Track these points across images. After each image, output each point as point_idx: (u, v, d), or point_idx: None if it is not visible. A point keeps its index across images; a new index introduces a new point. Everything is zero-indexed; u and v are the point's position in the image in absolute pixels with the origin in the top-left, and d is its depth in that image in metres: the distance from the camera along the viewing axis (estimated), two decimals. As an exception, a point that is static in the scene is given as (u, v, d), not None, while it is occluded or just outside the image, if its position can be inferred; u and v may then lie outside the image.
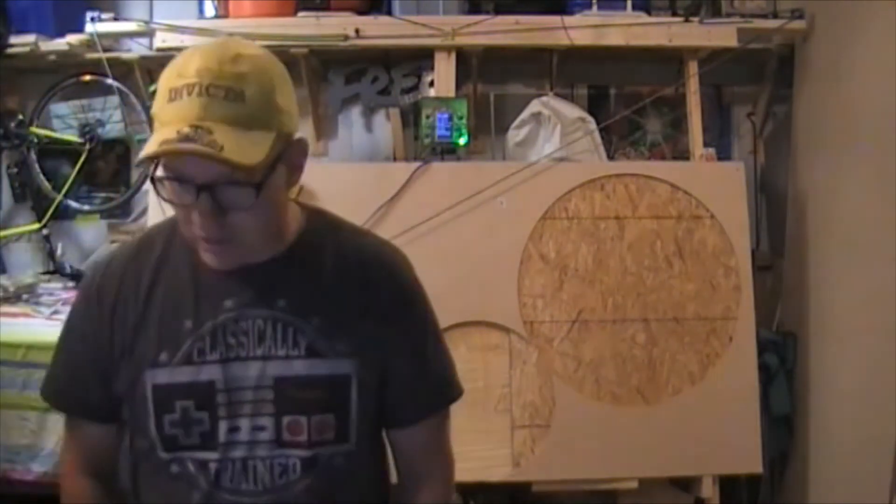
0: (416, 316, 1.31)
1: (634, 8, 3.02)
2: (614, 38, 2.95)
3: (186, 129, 1.05)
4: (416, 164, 2.78)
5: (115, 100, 3.15)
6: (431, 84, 3.01)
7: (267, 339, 1.20)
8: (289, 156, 1.18)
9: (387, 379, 1.26)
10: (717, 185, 2.81)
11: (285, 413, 1.19)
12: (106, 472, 1.32)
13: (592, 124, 2.96)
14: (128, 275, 1.25)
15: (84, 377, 1.26)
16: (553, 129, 2.88)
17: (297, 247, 1.25)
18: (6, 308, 2.75)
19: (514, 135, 2.98)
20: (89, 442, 1.30)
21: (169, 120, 1.07)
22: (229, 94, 1.08)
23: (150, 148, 1.07)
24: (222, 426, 1.19)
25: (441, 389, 1.33)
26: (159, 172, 1.13)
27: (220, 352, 1.19)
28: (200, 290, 1.22)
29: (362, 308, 1.24)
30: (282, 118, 1.13)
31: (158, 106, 1.11)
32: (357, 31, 2.90)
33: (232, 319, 1.20)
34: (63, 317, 2.65)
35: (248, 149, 1.08)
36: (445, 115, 2.82)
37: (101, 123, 3.23)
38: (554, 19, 2.93)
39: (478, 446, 2.59)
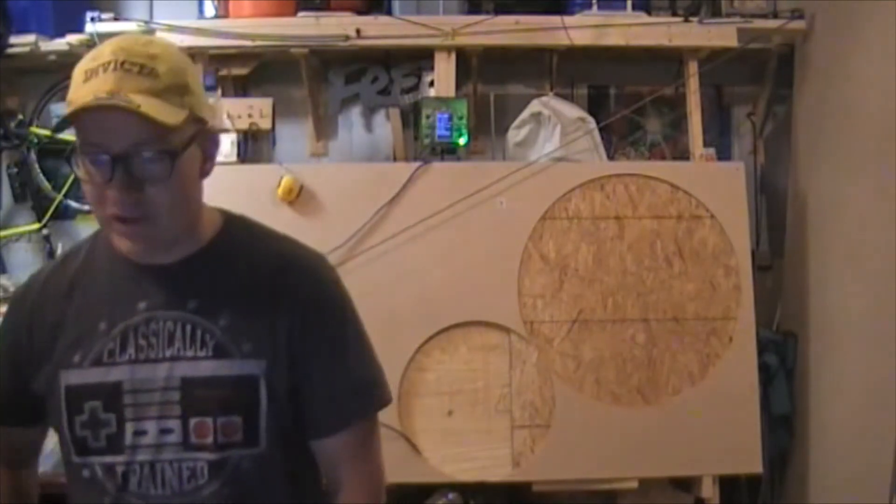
0: (335, 320, 1.29)
1: (634, 8, 3.02)
2: (614, 38, 2.95)
3: (103, 94, 1.09)
4: (416, 164, 2.78)
5: (114, 100, 3.14)
6: (431, 84, 3.01)
7: (176, 341, 1.20)
8: (203, 141, 1.20)
9: (303, 386, 1.24)
10: (717, 185, 2.81)
11: (192, 415, 1.19)
12: (22, 467, 1.37)
13: (592, 124, 2.96)
14: (51, 280, 1.29)
15: (7, 386, 1.28)
16: (553, 129, 2.88)
17: (211, 247, 1.26)
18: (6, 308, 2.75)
19: (514, 135, 2.98)
20: (4, 444, 1.33)
21: (84, 95, 1.10)
22: (143, 69, 1.12)
23: (67, 108, 1.11)
24: (129, 428, 1.19)
25: (363, 397, 1.29)
26: (77, 140, 1.14)
27: (130, 353, 1.20)
28: (116, 292, 1.23)
29: (274, 310, 1.23)
30: (194, 99, 1.16)
31: (72, 90, 1.13)
32: (358, 31, 2.90)
33: (143, 321, 1.21)
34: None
35: (164, 112, 1.11)
36: (445, 115, 2.82)
37: (101, 123, 3.22)
38: (554, 19, 2.93)
39: (478, 446, 2.59)
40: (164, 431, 1.19)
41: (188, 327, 1.21)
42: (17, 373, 1.27)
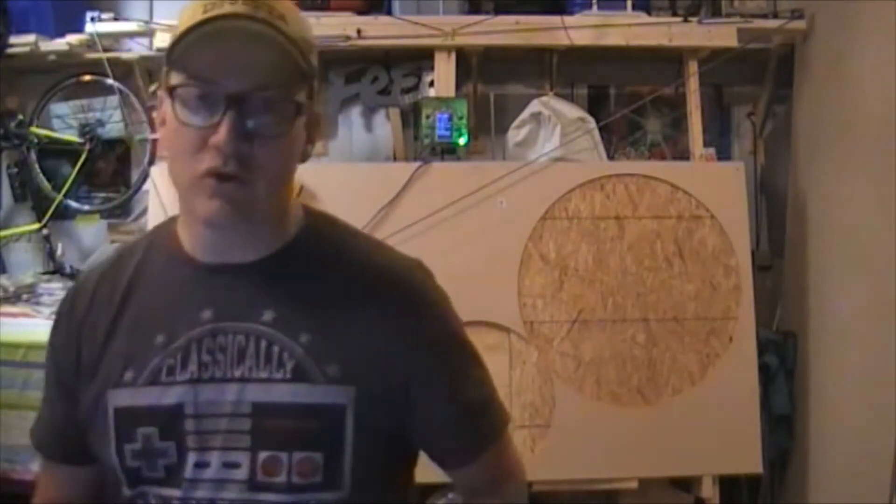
0: (450, 340, 1.11)
1: (634, 8, 3.02)
2: (614, 38, 2.95)
3: (231, 8, 0.93)
4: (416, 164, 2.78)
5: (115, 100, 3.15)
6: (431, 84, 3.01)
7: (247, 359, 1.01)
8: (312, 116, 1.05)
9: (418, 418, 1.06)
10: (717, 185, 2.81)
11: (262, 448, 1.00)
12: None
13: (592, 124, 2.96)
14: (103, 285, 1.09)
15: (57, 413, 1.12)
16: (553, 129, 2.88)
17: (295, 247, 1.07)
18: (6, 308, 2.75)
19: (514, 135, 2.98)
20: (63, 487, 1.15)
21: (207, 15, 0.93)
22: (273, 11, 0.96)
23: (186, 22, 0.93)
24: (190, 459, 1.00)
25: (492, 418, 1.14)
26: (177, 79, 0.96)
27: (192, 371, 1.01)
28: (177, 298, 1.05)
29: (368, 331, 1.03)
30: (314, 61, 1.01)
31: (187, 20, 0.94)
32: (358, 31, 2.90)
33: (209, 333, 1.02)
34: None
35: (297, 56, 0.95)
36: (445, 115, 2.82)
37: (101, 123, 3.22)
38: (554, 19, 2.93)
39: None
40: (229, 465, 1.00)
41: (262, 343, 1.01)
42: (67, 395, 1.09)
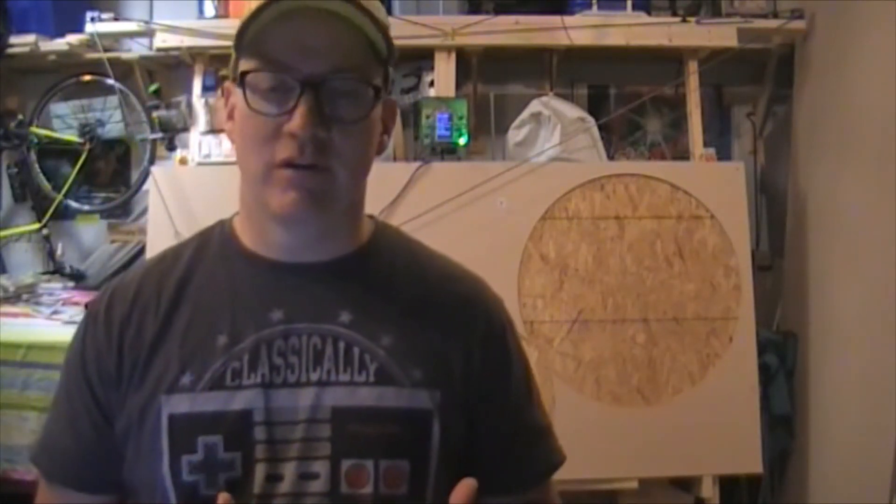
0: (518, 361, 1.07)
1: (634, 8, 3.01)
2: (614, 38, 2.95)
3: None
4: (416, 164, 2.78)
5: (115, 100, 3.15)
6: (431, 84, 3.01)
7: (325, 361, 0.94)
8: (388, 104, 0.99)
9: (480, 433, 1.01)
10: (717, 185, 2.81)
11: (345, 455, 0.92)
12: None
13: (592, 124, 2.96)
14: (147, 285, 1.00)
15: (80, 432, 0.98)
16: (553, 129, 2.88)
17: (369, 249, 1.02)
18: (6, 308, 2.75)
19: (514, 135, 2.98)
20: None
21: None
22: None
23: (247, 16, 0.87)
24: (259, 472, 0.91)
25: (547, 450, 1.09)
26: (248, 65, 0.90)
27: (263, 374, 0.93)
28: (241, 298, 0.97)
29: (447, 337, 0.99)
30: (392, 49, 0.94)
31: (252, 7, 0.88)
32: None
33: (280, 335, 0.95)
34: (63, 317, 2.68)
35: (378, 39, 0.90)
36: (445, 115, 2.82)
37: (101, 123, 3.22)
38: (554, 19, 2.93)
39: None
40: (307, 477, 0.91)
41: (341, 345, 0.95)
42: (98, 410, 0.97)
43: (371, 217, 1.07)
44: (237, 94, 0.92)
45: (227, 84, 0.97)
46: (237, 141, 0.95)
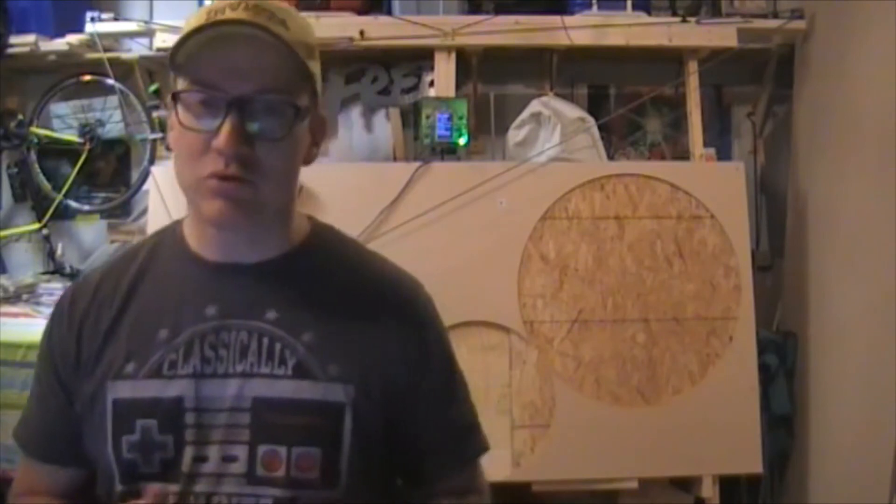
0: (441, 358, 1.15)
1: (634, 8, 3.01)
2: (614, 38, 2.95)
3: (232, 15, 0.97)
4: (416, 164, 2.78)
5: (115, 100, 3.15)
6: (431, 84, 3.01)
7: (250, 355, 1.03)
8: (315, 121, 1.08)
9: (403, 426, 1.09)
10: (717, 185, 2.81)
11: (262, 442, 1.02)
12: None
13: (592, 124, 2.96)
14: (106, 282, 1.11)
15: (50, 411, 1.11)
16: (553, 129, 2.88)
17: (300, 252, 1.10)
18: (6, 308, 2.75)
19: (514, 135, 2.98)
20: (45, 486, 1.13)
21: (210, 23, 0.97)
22: (274, 17, 0.99)
23: (194, 23, 0.96)
24: (188, 453, 1.02)
25: (472, 440, 1.18)
26: (181, 85, 1.00)
27: (195, 365, 1.03)
28: (182, 294, 1.07)
29: (367, 334, 1.07)
30: (315, 67, 1.03)
31: (192, 27, 0.97)
32: (361, 32, 2.90)
33: (213, 329, 1.04)
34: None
35: (296, 60, 0.98)
36: (445, 115, 2.82)
37: (101, 123, 3.22)
38: (554, 19, 2.93)
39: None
40: (228, 459, 1.01)
41: (265, 340, 1.04)
42: (63, 391, 1.09)
43: (310, 218, 1.16)
44: (173, 109, 1.02)
45: (169, 99, 1.05)
46: (174, 153, 1.04)
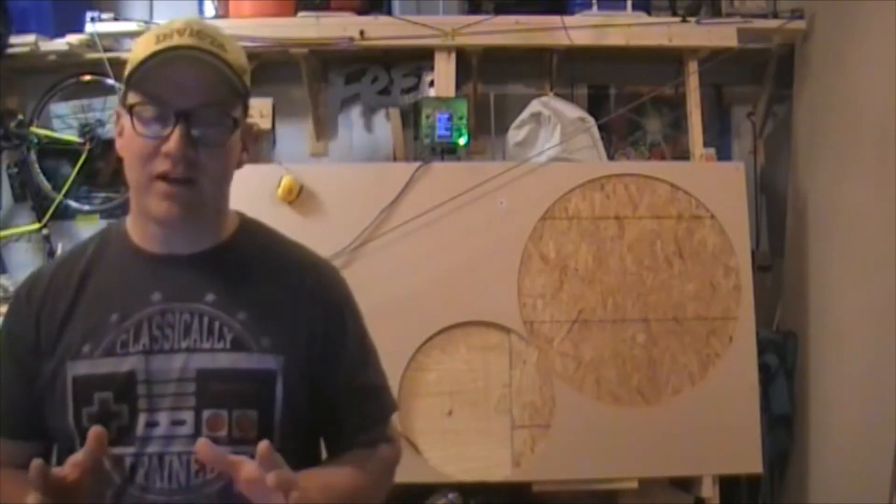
0: (355, 326, 1.32)
1: (634, 8, 3.02)
2: (614, 38, 2.95)
3: (179, 40, 1.14)
4: (416, 164, 2.78)
5: (115, 100, 3.15)
6: (431, 84, 3.01)
7: (193, 333, 1.19)
8: (246, 128, 1.24)
9: (323, 388, 1.25)
10: (717, 185, 2.81)
11: (206, 407, 1.17)
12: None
13: (592, 124, 2.96)
14: (59, 274, 1.26)
15: (12, 392, 1.23)
16: (553, 129, 2.88)
17: (231, 243, 1.27)
18: (6, 308, 2.75)
19: (514, 135, 2.98)
20: (10, 459, 1.23)
21: (160, 48, 1.13)
22: (215, 41, 1.17)
23: (142, 52, 1.14)
24: (141, 419, 1.17)
25: (383, 401, 1.33)
26: (134, 99, 1.16)
27: (144, 343, 1.18)
28: (129, 283, 1.22)
29: (294, 310, 1.24)
30: (247, 83, 1.21)
31: (141, 49, 1.15)
32: (361, 32, 2.90)
33: (158, 312, 1.20)
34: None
35: (234, 79, 1.16)
36: (445, 115, 2.82)
37: (101, 123, 3.22)
38: (554, 19, 2.93)
39: (478, 446, 2.59)
40: (176, 423, 1.17)
41: (205, 319, 1.20)
42: (24, 372, 1.23)
43: (239, 214, 1.32)
44: (126, 119, 1.17)
45: (118, 108, 1.21)
46: (125, 157, 1.19)
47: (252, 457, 1.10)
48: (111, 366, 1.18)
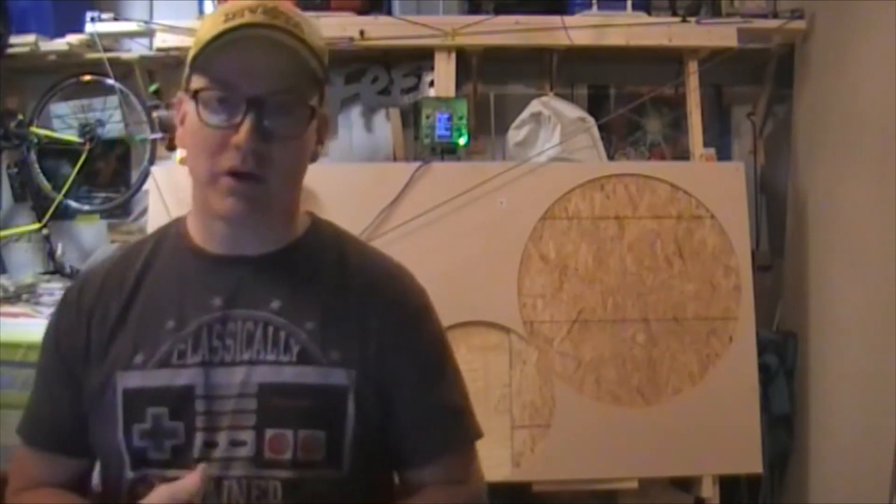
0: (432, 341, 1.18)
1: (634, 8, 3.02)
2: (614, 38, 2.95)
3: (250, 18, 1.01)
4: (416, 164, 2.78)
5: (115, 100, 3.15)
6: (431, 84, 3.01)
7: (256, 343, 1.07)
8: (322, 118, 1.12)
9: (393, 408, 1.11)
10: (717, 185, 2.81)
11: (268, 425, 1.05)
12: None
13: (592, 124, 2.96)
14: (112, 276, 1.15)
15: (58, 400, 1.13)
16: (553, 129, 2.88)
17: (301, 244, 1.15)
18: (6, 308, 2.75)
19: (514, 135, 2.98)
20: (49, 475, 1.15)
21: (230, 27, 1.01)
22: (290, 21, 1.04)
23: (208, 31, 1.02)
24: (198, 439, 1.05)
25: (460, 425, 1.18)
26: (199, 83, 1.04)
27: (203, 354, 1.07)
28: (187, 286, 1.11)
29: (365, 320, 1.11)
30: (325, 69, 1.08)
31: (208, 29, 1.02)
32: (362, 32, 2.90)
33: (219, 319, 1.08)
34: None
35: (313, 62, 1.04)
36: (445, 115, 2.82)
37: (101, 123, 3.22)
38: (554, 19, 2.93)
39: (478, 446, 2.59)
40: (236, 444, 1.04)
41: (270, 329, 1.08)
42: (70, 381, 1.11)
43: (310, 214, 1.21)
44: (190, 107, 1.05)
45: (180, 94, 1.10)
46: (188, 147, 1.08)
47: (315, 481, 1.04)
48: (166, 378, 1.06)
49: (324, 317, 1.10)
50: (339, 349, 1.08)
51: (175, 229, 1.18)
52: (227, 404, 1.05)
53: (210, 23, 1.04)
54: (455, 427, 1.18)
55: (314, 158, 1.14)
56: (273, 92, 1.02)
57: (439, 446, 1.16)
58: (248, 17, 1.01)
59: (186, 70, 1.06)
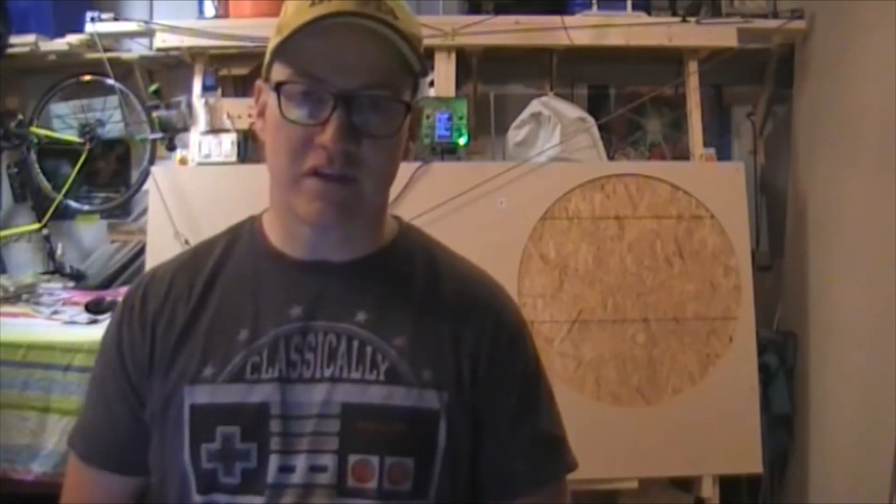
0: (528, 366, 1.08)
1: (634, 8, 3.01)
2: (614, 38, 2.94)
3: (339, 5, 0.90)
4: (417, 164, 2.78)
5: (115, 100, 3.15)
6: (431, 84, 3.01)
7: (339, 359, 0.97)
8: (415, 113, 1.02)
9: (485, 438, 1.02)
10: (717, 185, 2.81)
11: (352, 451, 0.95)
12: None
13: (592, 124, 2.96)
14: (179, 278, 1.04)
15: (117, 416, 1.03)
16: (553, 129, 2.88)
17: (390, 251, 1.05)
18: (6, 308, 2.75)
19: (514, 135, 2.98)
20: (104, 497, 1.06)
21: (318, 12, 0.91)
22: (382, 6, 0.92)
23: (294, 18, 0.91)
24: (273, 463, 0.95)
25: (555, 456, 1.11)
26: (283, 74, 0.94)
27: (280, 369, 0.96)
28: (263, 293, 1.00)
29: (459, 339, 1.01)
30: (422, 63, 0.96)
31: (291, 16, 0.92)
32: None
33: (298, 331, 0.98)
34: (63, 317, 2.68)
35: (407, 53, 0.93)
36: (445, 115, 2.82)
37: (101, 123, 3.23)
38: (554, 19, 2.93)
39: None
40: (316, 469, 0.94)
41: (355, 343, 0.98)
42: (131, 395, 1.02)
43: (396, 218, 1.11)
44: (272, 99, 0.95)
45: (259, 83, 1.00)
46: (269, 144, 0.98)
47: None
48: (239, 394, 0.96)
49: (414, 332, 1.00)
50: (431, 368, 0.99)
51: (250, 229, 1.07)
52: (305, 425, 0.95)
53: (294, 8, 0.94)
54: (552, 459, 1.11)
55: (406, 156, 1.06)
56: (364, 87, 0.92)
57: (535, 479, 1.08)
58: (336, 5, 0.91)
59: (267, 57, 0.97)
